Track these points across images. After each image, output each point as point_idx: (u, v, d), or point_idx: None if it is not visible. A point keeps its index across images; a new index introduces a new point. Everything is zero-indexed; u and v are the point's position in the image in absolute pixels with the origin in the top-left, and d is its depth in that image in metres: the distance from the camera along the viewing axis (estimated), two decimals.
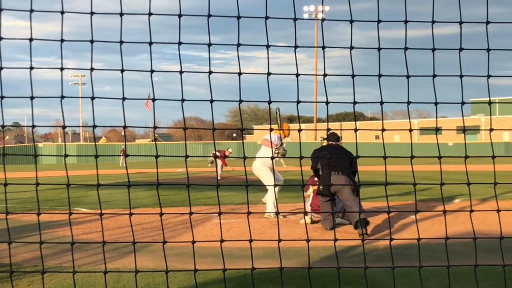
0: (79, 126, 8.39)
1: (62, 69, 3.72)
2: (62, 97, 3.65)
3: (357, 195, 12.11)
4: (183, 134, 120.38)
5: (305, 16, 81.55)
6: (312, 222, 12.77)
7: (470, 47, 4.11)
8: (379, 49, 3.90)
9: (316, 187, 12.95)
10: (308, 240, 3.56)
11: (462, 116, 3.82)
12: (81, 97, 3.74)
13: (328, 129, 4.00)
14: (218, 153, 30.00)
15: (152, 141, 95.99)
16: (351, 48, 3.94)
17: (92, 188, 19.86)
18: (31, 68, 3.75)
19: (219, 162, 30.03)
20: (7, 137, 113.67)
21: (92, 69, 3.72)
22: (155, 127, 3.70)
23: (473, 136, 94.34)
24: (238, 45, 3.73)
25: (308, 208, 12.90)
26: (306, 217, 12.83)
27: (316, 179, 12.98)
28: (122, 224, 11.80)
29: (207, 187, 19.01)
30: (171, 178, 28.33)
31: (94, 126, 3.68)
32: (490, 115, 3.30)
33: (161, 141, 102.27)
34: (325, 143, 13.27)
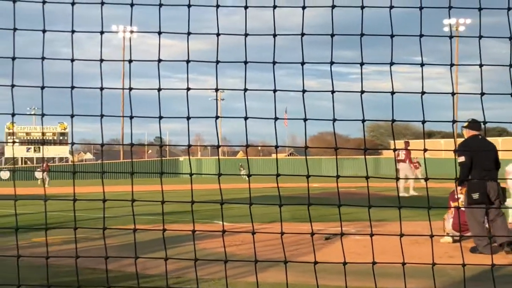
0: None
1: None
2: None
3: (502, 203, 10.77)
4: (318, 150, 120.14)
5: (446, 29, 79.34)
6: (454, 241, 12.33)
7: None
8: None
9: (456, 203, 12.44)
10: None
11: None
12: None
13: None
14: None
15: (288, 155, 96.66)
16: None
17: (231, 201, 20.21)
18: (159, 89, 3.87)
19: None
20: (149, 151, 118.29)
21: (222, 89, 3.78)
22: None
23: None
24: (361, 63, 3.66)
25: (449, 228, 12.46)
26: (447, 236, 12.42)
27: (456, 196, 12.41)
28: (262, 238, 11.82)
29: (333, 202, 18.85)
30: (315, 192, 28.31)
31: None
32: None
33: (296, 155, 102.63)
34: (466, 133, 11.43)
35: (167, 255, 4.20)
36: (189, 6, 3.87)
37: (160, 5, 3.98)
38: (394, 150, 5.50)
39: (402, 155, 29.09)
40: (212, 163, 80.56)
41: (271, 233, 4.72)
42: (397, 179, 4.12)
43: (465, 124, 11.21)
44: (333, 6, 3.90)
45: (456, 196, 12.50)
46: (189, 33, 3.80)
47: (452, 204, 12.54)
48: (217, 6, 3.87)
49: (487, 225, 11.26)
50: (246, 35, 3.84)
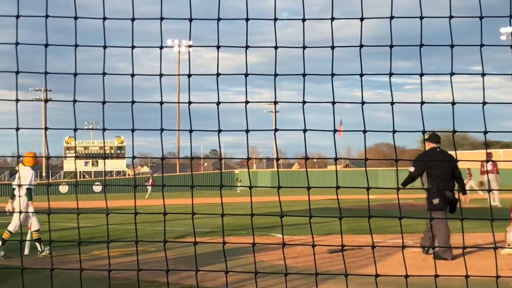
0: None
1: (248, 102, 3.83)
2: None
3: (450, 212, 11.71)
4: (373, 162, 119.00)
5: (503, 38, 77.79)
6: None
7: None
8: None
9: None
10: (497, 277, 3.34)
11: None
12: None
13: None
14: None
15: (344, 167, 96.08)
16: None
17: (290, 214, 20.20)
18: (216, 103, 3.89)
19: None
20: (205, 164, 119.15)
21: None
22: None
23: None
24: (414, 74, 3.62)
25: (511, 239, 12.20)
26: (508, 248, 12.15)
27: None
28: (318, 251, 11.75)
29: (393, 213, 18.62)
30: (372, 204, 28.09)
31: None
32: None
33: (352, 167, 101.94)
34: (427, 145, 12.22)
35: (227, 268, 4.22)
36: (247, 20, 3.90)
37: (219, 19, 4.02)
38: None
39: (489, 166, 28.77)
40: (267, 175, 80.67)
41: (331, 245, 4.69)
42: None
43: (427, 137, 11.96)
44: (392, 17, 3.88)
45: None
46: (247, 47, 3.83)
47: None
48: (275, 19, 3.89)
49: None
50: (304, 47, 3.84)
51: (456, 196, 11.85)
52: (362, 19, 3.89)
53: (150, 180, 58.68)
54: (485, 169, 28.55)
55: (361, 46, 3.85)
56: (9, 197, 14.12)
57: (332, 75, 3.83)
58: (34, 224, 13.47)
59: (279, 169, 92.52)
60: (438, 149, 12.08)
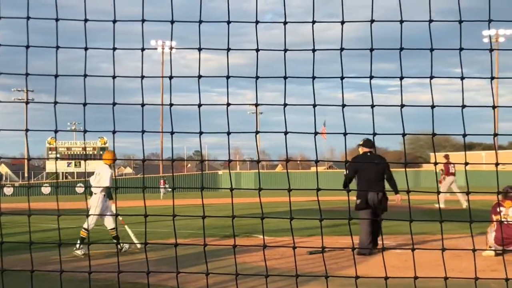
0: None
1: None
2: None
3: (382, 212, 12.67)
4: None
5: (485, 40, 78.19)
6: (497, 255, 12.14)
7: None
8: None
9: (498, 216, 12.36)
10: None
11: None
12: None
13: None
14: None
15: (328, 168, 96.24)
16: None
17: (271, 216, 20.23)
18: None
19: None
20: (188, 165, 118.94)
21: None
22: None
23: None
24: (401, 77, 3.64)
25: (492, 241, 12.29)
26: (489, 250, 12.24)
27: (498, 209, 12.39)
28: (302, 252, 11.72)
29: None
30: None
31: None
32: None
33: (336, 168, 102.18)
34: (360, 149, 13.40)
35: (208, 270, 4.22)
36: (228, 22, 3.90)
37: (200, 21, 4.01)
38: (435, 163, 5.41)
39: (451, 169, 29.39)
40: (251, 177, 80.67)
41: (311, 247, 4.70)
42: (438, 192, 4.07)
43: (361, 142, 13.33)
44: (372, 21, 3.89)
45: (498, 209, 12.39)
46: (228, 49, 3.83)
47: (494, 217, 12.40)
48: (257, 22, 3.89)
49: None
50: (285, 50, 3.85)
51: (403, 197, 12.38)
52: (342, 22, 3.91)
53: (162, 181, 58.99)
54: (451, 171, 29.14)
55: (341, 49, 3.87)
56: (88, 194, 14.06)
57: (313, 77, 3.84)
58: (109, 222, 13.49)
59: (261, 171, 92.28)
60: (369, 153, 13.27)
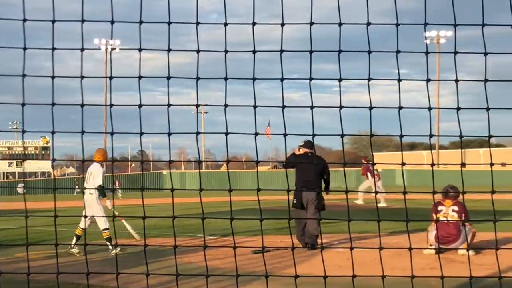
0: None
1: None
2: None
3: (319, 210, 13.57)
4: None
5: (427, 42, 79.50)
6: (437, 253, 12.39)
7: None
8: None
9: (438, 215, 12.63)
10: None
11: None
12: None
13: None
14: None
15: (272, 168, 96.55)
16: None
17: (215, 215, 20.22)
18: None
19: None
20: (133, 165, 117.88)
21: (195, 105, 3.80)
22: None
23: None
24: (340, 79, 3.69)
25: (432, 239, 12.54)
26: (429, 249, 12.48)
27: (439, 208, 12.67)
28: (247, 251, 11.73)
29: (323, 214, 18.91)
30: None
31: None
32: None
33: (280, 168, 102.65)
34: (302, 150, 14.08)
35: (148, 271, 4.20)
36: (169, 23, 3.88)
37: (141, 22, 3.99)
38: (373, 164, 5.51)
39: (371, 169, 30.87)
40: (196, 177, 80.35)
41: (250, 247, 4.72)
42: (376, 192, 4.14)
43: (302, 143, 13.97)
44: (312, 23, 3.94)
45: (438, 208, 12.66)
46: (169, 50, 3.81)
47: (435, 216, 12.66)
48: (197, 23, 3.88)
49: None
50: (226, 51, 3.86)
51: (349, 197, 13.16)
52: (282, 24, 3.94)
53: (117, 182, 58.44)
54: (375, 173, 30.50)
55: (281, 51, 3.91)
56: (106, 195, 13.77)
57: (254, 79, 3.86)
58: (101, 223, 13.16)
59: (206, 171, 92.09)
60: (309, 154, 13.91)
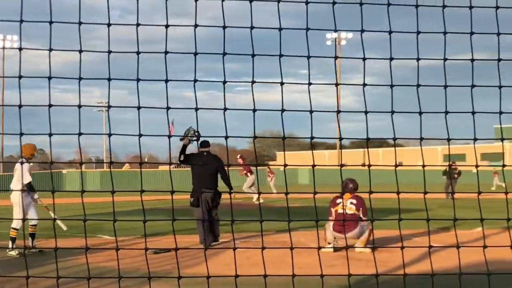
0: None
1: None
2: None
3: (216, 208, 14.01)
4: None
5: (329, 43, 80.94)
6: (335, 250, 12.65)
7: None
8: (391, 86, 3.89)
9: (337, 207, 12.96)
10: (322, 276, 3.52)
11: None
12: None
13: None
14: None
15: (176, 167, 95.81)
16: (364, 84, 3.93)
17: (113, 215, 19.83)
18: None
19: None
20: (31, 164, 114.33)
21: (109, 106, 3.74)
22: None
23: (498, 163, 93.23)
24: (253, 82, 3.72)
25: (331, 237, 12.78)
26: (327, 247, 12.71)
27: (337, 201, 12.97)
28: (142, 252, 11.61)
29: (228, 213, 18.90)
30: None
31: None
32: None
33: (183, 167, 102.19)
34: (199, 149, 14.85)
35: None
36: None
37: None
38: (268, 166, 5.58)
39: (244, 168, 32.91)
40: (97, 176, 78.89)
41: (134, 249, 4.68)
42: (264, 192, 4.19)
43: (200, 142, 14.54)
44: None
45: (336, 201, 12.98)
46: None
47: (332, 210, 12.97)
48: (109, 24, 3.83)
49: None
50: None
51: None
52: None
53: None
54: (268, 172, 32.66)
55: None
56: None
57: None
58: (33, 217, 12.88)
59: (108, 170, 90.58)
60: (205, 153, 14.33)
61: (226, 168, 14.51)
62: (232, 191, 13.73)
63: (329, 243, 12.78)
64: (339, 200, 13.10)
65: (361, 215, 12.89)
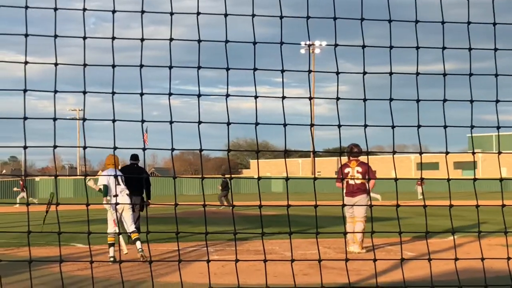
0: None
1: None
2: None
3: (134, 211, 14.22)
4: (179, 169, 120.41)
5: (302, 51, 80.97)
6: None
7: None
8: (365, 99, 3.93)
9: (347, 179, 13.33)
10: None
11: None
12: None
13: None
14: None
15: (151, 174, 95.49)
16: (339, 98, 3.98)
17: (89, 223, 19.67)
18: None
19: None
20: (4, 171, 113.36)
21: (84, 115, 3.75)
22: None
23: (471, 172, 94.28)
24: (227, 94, 3.74)
25: (358, 236, 12.79)
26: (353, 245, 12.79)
27: (346, 170, 13.56)
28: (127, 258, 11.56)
29: (203, 221, 18.90)
30: (168, 212, 28.13)
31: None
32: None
33: (158, 175, 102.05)
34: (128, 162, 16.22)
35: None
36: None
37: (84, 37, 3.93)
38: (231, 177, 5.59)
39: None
40: (70, 183, 78.33)
41: (103, 261, 4.66)
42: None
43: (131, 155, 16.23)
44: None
45: (345, 171, 13.57)
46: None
47: (344, 181, 13.39)
48: (85, 37, 3.84)
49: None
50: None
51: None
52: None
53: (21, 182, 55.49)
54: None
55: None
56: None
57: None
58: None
59: (81, 177, 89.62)
60: (135, 165, 16.12)
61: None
62: (148, 199, 15.84)
63: (353, 242, 12.84)
64: (347, 170, 13.58)
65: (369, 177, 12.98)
